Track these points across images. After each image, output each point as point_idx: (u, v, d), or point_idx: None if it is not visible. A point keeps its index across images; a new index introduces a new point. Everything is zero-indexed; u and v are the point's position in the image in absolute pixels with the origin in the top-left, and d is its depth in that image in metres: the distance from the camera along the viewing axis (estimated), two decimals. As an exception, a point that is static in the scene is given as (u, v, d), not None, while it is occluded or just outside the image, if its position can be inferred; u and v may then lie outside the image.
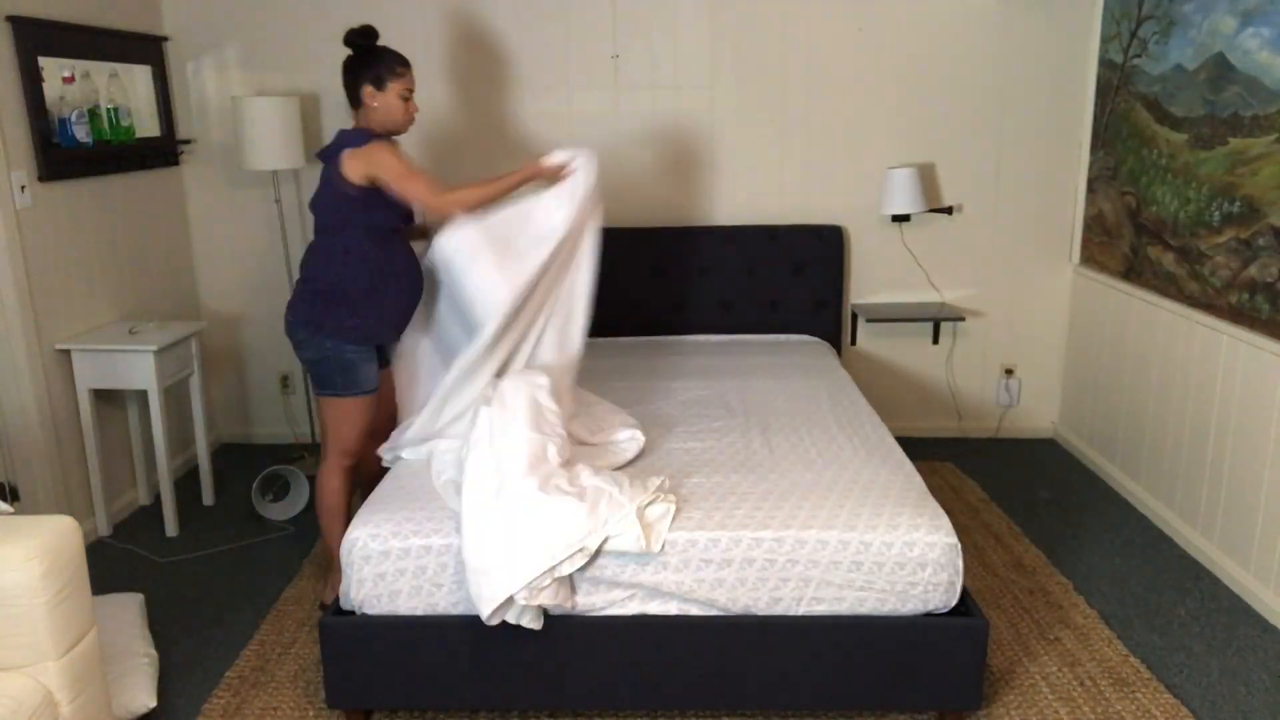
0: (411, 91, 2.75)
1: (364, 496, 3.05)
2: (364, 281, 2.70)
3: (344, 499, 2.89)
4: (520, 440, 2.40)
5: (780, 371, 3.54)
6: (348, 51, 2.74)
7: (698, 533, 2.29)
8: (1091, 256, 4.06)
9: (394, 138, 2.78)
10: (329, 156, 2.70)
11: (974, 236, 4.25)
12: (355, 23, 2.75)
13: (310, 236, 2.87)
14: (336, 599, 2.59)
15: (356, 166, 2.63)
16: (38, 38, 3.27)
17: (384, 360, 2.94)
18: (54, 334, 3.39)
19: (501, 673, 2.34)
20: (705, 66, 4.10)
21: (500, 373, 2.72)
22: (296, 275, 2.87)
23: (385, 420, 2.96)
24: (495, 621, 2.21)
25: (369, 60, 2.71)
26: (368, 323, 2.73)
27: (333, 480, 2.86)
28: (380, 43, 2.74)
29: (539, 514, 2.22)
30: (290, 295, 2.82)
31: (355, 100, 2.74)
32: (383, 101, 2.71)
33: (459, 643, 2.32)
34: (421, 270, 2.85)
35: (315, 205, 2.75)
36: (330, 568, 2.95)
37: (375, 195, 2.67)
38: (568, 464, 2.42)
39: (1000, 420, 4.47)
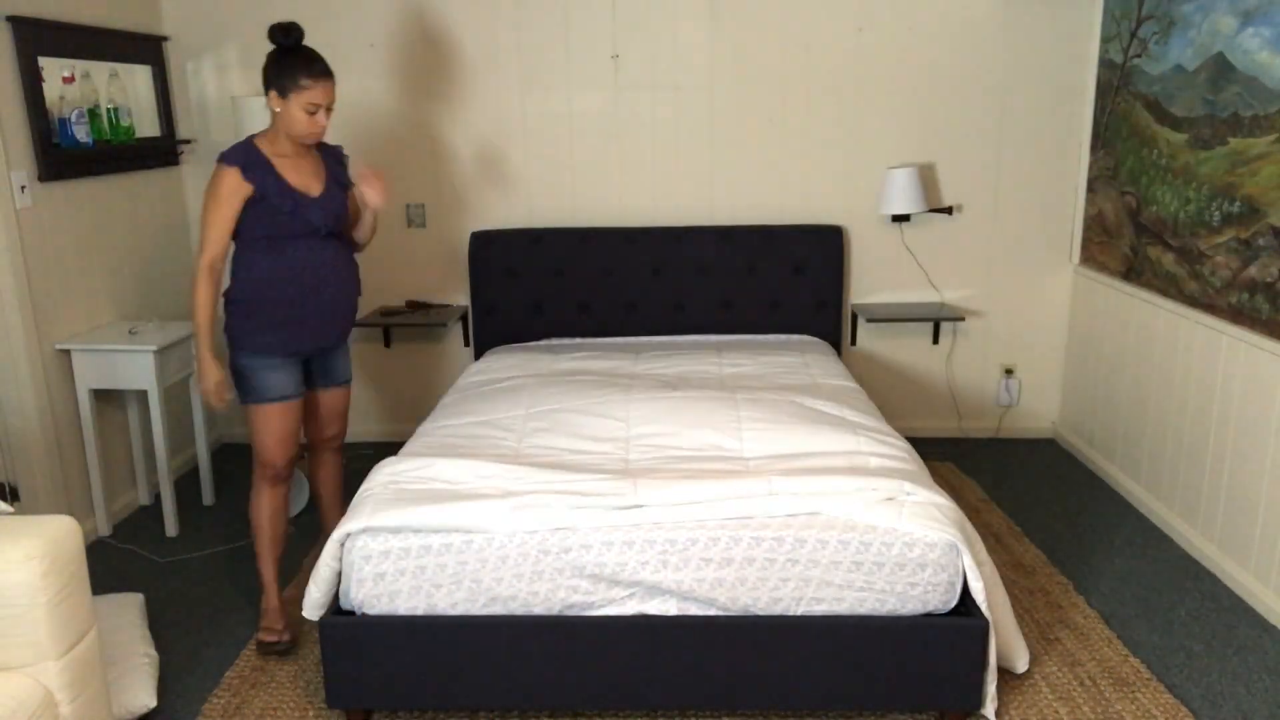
0: (319, 106, 2.61)
1: (321, 510, 3.15)
2: (251, 291, 2.68)
3: (270, 519, 2.83)
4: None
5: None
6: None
7: (698, 532, 2.29)
8: (1091, 256, 4.07)
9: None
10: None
11: (974, 236, 4.25)
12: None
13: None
14: (275, 640, 2.72)
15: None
16: (38, 38, 3.27)
17: (337, 379, 2.98)
18: (54, 334, 3.39)
19: (501, 673, 2.34)
20: (705, 66, 4.10)
21: None
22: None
23: (325, 438, 3.02)
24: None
25: (281, 63, 2.60)
26: (262, 330, 2.70)
27: (256, 498, 2.83)
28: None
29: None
30: None
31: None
32: (284, 110, 2.61)
33: (459, 643, 2.32)
34: (329, 273, 2.76)
35: None
36: (265, 595, 2.86)
37: (250, 205, 2.63)
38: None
39: (1000, 420, 4.47)
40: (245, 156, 2.63)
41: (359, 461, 4.23)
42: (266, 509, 2.83)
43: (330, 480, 3.11)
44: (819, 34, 4.06)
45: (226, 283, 2.74)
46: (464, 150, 4.21)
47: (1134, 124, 3.67)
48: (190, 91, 4.18)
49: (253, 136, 2.70)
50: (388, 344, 4.41)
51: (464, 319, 4.36)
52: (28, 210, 3.25)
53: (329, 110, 2.64)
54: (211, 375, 2.69)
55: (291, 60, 2.58)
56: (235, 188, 2.60)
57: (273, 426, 2.75)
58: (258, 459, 2.78)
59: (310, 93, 2.58)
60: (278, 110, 2.62)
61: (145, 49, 3.92)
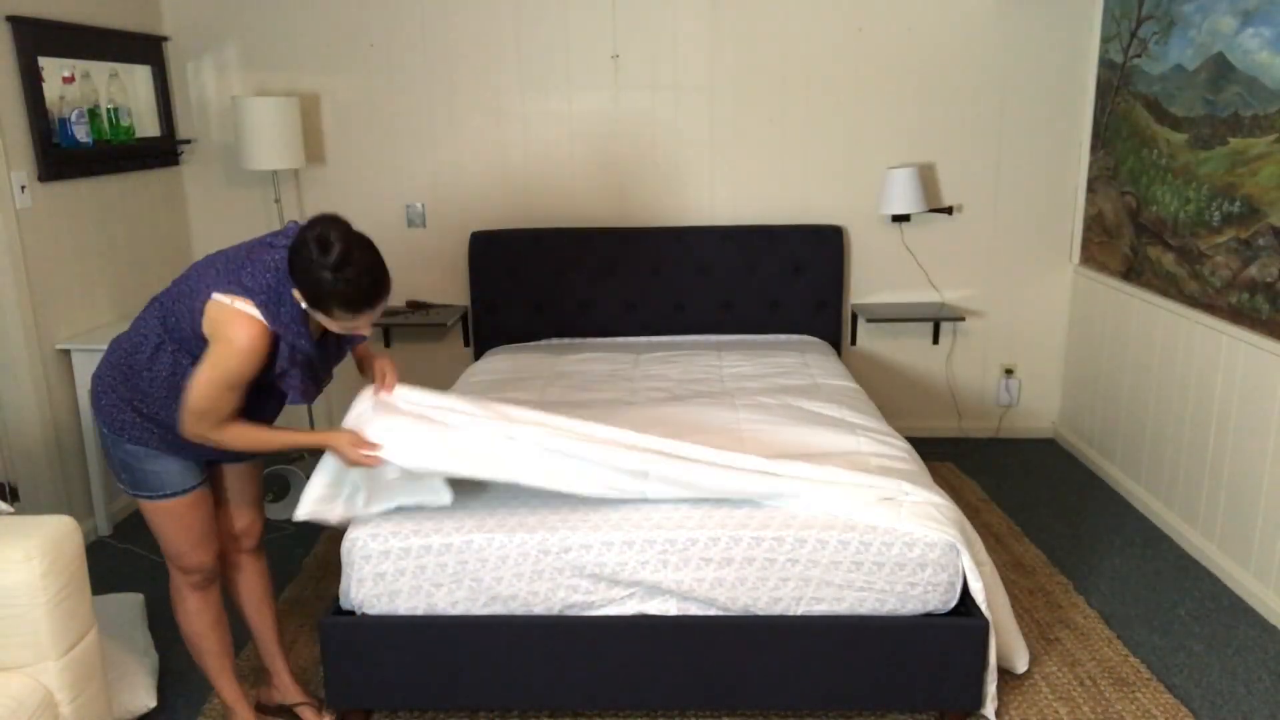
0: (357, 328, 2.03)
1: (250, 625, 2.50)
2: (157, 390, 2.10)
3: (213, 625, 2.33)
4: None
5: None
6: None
7: (698, 531, 2.29)
8: (1091, 256, 4.06)
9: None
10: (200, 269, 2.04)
11: (974, 236, 4.25)
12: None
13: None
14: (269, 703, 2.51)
15: (209, 319, 1.97)
16: (38, 38, 3.27)
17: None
18: (54, 334, 3.39)
19: (501, 673, 2.34)
20: (705, 66, 4.10)
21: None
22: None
23: (234, 532, 2.40)
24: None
25: (313, 275, 1.91)
26: (149, 426, 2.14)
27: (182, 604, 2.31)
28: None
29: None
30: None
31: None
32: (313, 313, 1.98)
33: (459, 643, 2.32)
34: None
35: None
36: (218, 688, 2.40)
37: None
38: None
39: (1000, 420, 4.47)
40: (279, 315, 1.99)
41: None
42: (204, 616, 2.31)
43: (253, 591, 2.45)
44: (819, 34, 4.06)
45: (120, 350, 2.15)
46: (464, 150, 4.21)
47: (1134, 124, 3.67)
48: (190, 91, 4.18)
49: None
50: (388, 344, 4.41)
51: (464, 319, 4.36)
52: (28, 210, 3.25)
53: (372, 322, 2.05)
54: (343, 438, 2.18)
55: (330, 279, 1.90)
56: (262, 356, 2.00)
57: (182, 524, 2.20)
58: (173, 563, 2.26)
59: (348, 324, 2.00)
60: (303, 306, 1.98)
61: (145, 49, 3.92)
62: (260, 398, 2.15)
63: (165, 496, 2.17)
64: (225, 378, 1.97)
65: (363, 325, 2.02)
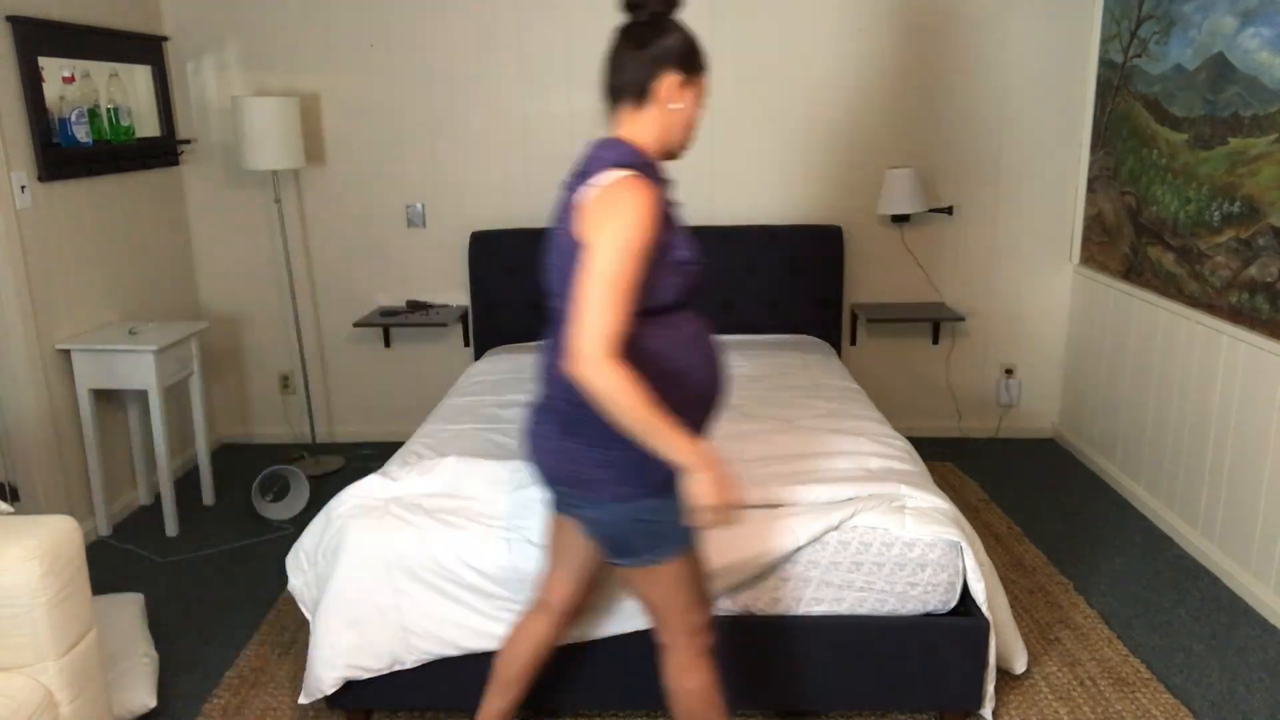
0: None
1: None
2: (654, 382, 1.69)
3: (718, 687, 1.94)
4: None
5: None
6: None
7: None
8: (1091, 256, 4.06)
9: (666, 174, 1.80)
10: (573, 186, 1.74)
11: (974, 236, 4.25)
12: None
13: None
14: None
15: (590, 210, 1.64)
16: (38, 38, 3.27)
17: None
18: (54, 334, 3.39)
19: (501, 673, 2.34)
20: (705, 66, 4.10)
21: None
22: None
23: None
24: None
25: (676, 36, 1.71)
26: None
27: (704, 676, 1.89)
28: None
29: None
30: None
31: (638, 92, 1.72)
32: (687, 105, 1.75)
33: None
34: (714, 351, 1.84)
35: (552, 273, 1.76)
36: None
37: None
38: None
39: (1000, 420, 4.47)
40: (653, 175, 1.73)
41: (358, 461, 4.23)
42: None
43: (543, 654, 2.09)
44: (819, 34, 4.06)
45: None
46: (464, 150, 4.21)
47: (1134, 124, 3.67)
48: (190, 91, 4.18)
49: (624, 145, 1.74)
50: (388, 344, 4.41)
51: (464, 319, 4.36)
52: (28, 210, 3.25)
53: None
54: (725, 480, 1.64)
55: (687, 32, 1.73)
56: (654, 220, 1.63)
57: (694, 566, 1.84)
58: (687, 627, 1.85)
59: (702, 88, 1.79)
60: (677, 106, 1.74)
61: (145, 49, 3.92)
62: (701, 326, 1.79)
63: (686, 545, 1.79)
64: (622, 246, 1.58)
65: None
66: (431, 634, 2.28)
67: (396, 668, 2.31)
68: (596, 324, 1.56)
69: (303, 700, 2.35)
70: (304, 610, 2.43)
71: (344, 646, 2.29)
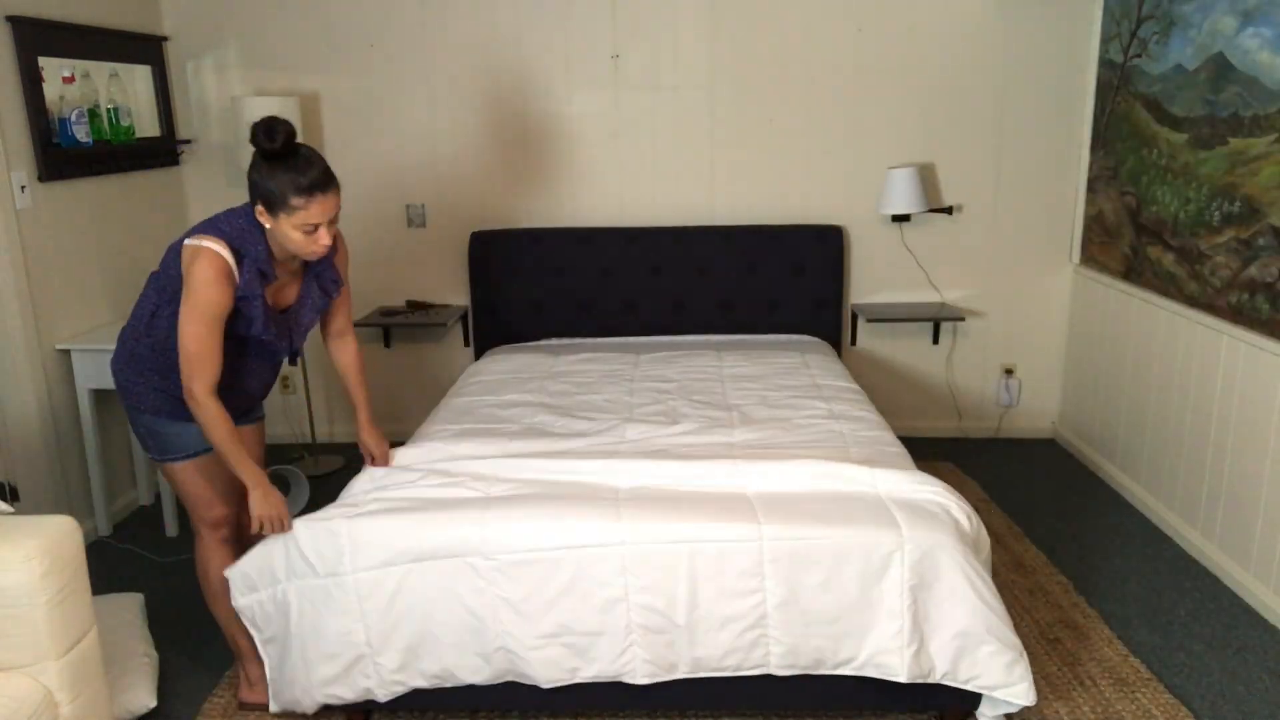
0: (318, 226, 2.11)
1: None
2: (165, 362, 2.29)
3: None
4: None
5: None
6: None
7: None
8: (1091, 256, 4.06)
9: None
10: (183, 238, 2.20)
11: (974, 236, 4.25)
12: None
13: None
14: (261, 703, 2.50)
15: (184, 263, 2.13)
16: (38, 38, 3.27)
17: (251, 416, 2.52)
18: (54, 334, 3.39)
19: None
20: (705, 66, 4.10)
21: None
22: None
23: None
24: None
25: (266, 172, 2.08)
26: (167, 396, 2.31)
27: (205, 552, 2.45)
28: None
29: None
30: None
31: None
32: (275, 227, 2.12)
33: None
34: (258, 372, 2.41)
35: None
36: (243, 659, 2.51)
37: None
38: None
39: (1000, 420, 4.47)
40: (246, 245, 2.16)
41: (358, 461, 4.22)
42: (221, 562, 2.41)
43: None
44: (819, 34, 4.06)
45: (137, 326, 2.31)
46: (464, 150, 4.21)
47: (1134, 124, 3.67)
48: (190, 91, 4.18)
49: (253, 212, 2.16)
50: (388, 344, 4.41)
51: (464, 319, 4.36)
52: (28, 210, 3.25)
53: (333, 223, 2.15)
54: (270, 497, 2.25)
55: (279, 171, 2.06)
56: (227, 286, 2.12)
57: (206, 477, 2.37)
58: (201, 519, 2.41)
59: (304, 213, 2.08)
60: (266, 226, 2.14)
61: (145, 49, 3.92)
62: (248, 361, 2.33)
63: (190, 456, 2.34)
64: (199, 311, 2.09)
65: (316, 215, 2.09)
66: (410, 667, 2.28)
67: (368, 698, 2.32)
68: (193, 361, 2.12)
69: (274, 709, 2.35)
70: (252, 629, 2.34)
71: (320, 679, 2.27)
